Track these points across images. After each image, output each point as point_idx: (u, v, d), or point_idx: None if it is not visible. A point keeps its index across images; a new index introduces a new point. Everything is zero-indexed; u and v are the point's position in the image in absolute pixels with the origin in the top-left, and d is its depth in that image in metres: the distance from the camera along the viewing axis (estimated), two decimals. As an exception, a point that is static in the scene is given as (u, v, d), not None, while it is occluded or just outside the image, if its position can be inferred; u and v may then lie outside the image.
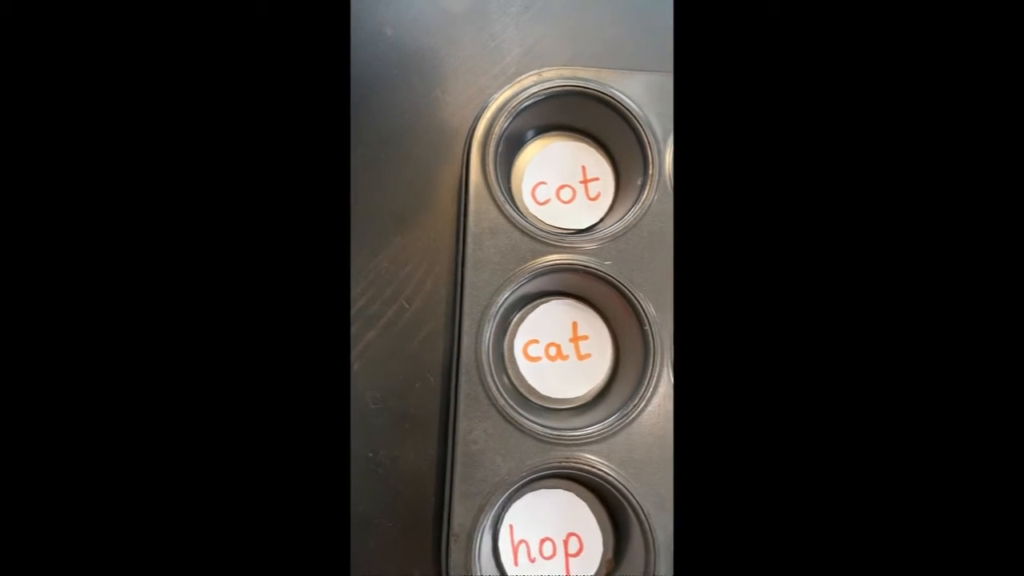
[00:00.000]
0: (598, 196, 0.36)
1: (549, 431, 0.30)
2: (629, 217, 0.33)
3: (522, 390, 0.33)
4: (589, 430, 0.31)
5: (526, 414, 0.30)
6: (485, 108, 0.33)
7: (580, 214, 0.35)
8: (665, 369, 0.31)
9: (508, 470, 0.30)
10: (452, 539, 0.29)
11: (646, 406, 0.31)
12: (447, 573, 0.29)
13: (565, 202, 0.35)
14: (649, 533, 0.30)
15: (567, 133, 0.36)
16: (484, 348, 0.31)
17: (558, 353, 0.34)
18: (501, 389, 0.31)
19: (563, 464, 0.30)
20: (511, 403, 0.30)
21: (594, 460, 0.30)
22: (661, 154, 0.33)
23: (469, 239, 0.31)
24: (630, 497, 0.30)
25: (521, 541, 0.32)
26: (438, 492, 0.32)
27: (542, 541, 0.32)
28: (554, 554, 0.32)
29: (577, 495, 0.33)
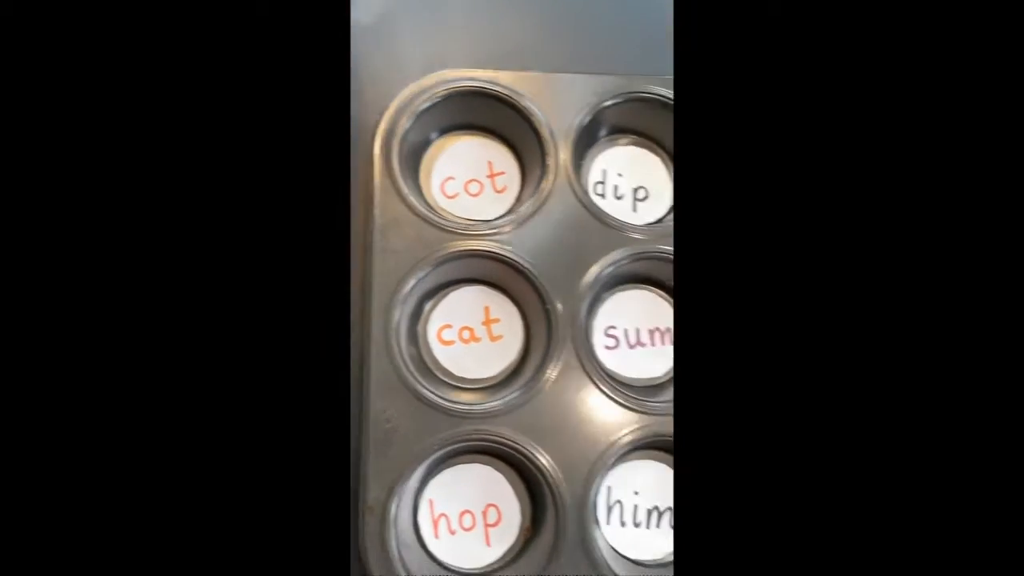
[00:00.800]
0: (504, 189, 0.38)
1: (458, 406, 0.32)
2: (530, 206, 0.35)
3: (438, 373, 0.35)
4: (496, 404, 0.32)
5: (435, 391, 0.32)
6: (386, 108, 0.35)
7: (488, 206, 0.37)
8: (568, 344, 0.33)
9: (421, 445, 0.32)
10: (367, 511, 0.31)
11: (549, 378, 0.33)
12: (362, 545, 0.31)
13: (473, 195, 0.38)
14: (559, 497, 0.32)
15: (474, 132, 0.38)
16: (393, 330, 0.32)
17: (471, 336, 0.36)
18: (412, 369, 0.32)
19: (473, 436, 0.32)
20: (421, 381, 0.32)
21: (503, 431, 0.32)
22: (557, 147, 0.36)
23: (375, 231, 0.33)
24: (539, 464, 0.32)
25: (441, 515, 0.34)
26: (353, 474, 0.33)
27: (461, 514, 0.34)
28: (474, 525, 0.34)
29: (494, 468, 0.34)
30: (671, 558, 0.34)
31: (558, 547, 0.32)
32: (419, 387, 0.32)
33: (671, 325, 0.37)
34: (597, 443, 0.33)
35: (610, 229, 0.35)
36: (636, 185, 0.38)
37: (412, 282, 0.33)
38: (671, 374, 0.36)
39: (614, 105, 0.36)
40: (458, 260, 0.34)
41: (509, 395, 0.33)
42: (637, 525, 0.35)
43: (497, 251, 0.34)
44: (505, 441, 0.32)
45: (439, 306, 0.36)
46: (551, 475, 0.32)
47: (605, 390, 0.33)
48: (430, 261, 0.34)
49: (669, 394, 0.35)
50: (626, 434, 0.33)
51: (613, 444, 0.33)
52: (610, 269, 0.35)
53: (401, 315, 0.33)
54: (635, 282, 0.37)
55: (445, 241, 0.34)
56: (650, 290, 0.37)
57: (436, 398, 0.32)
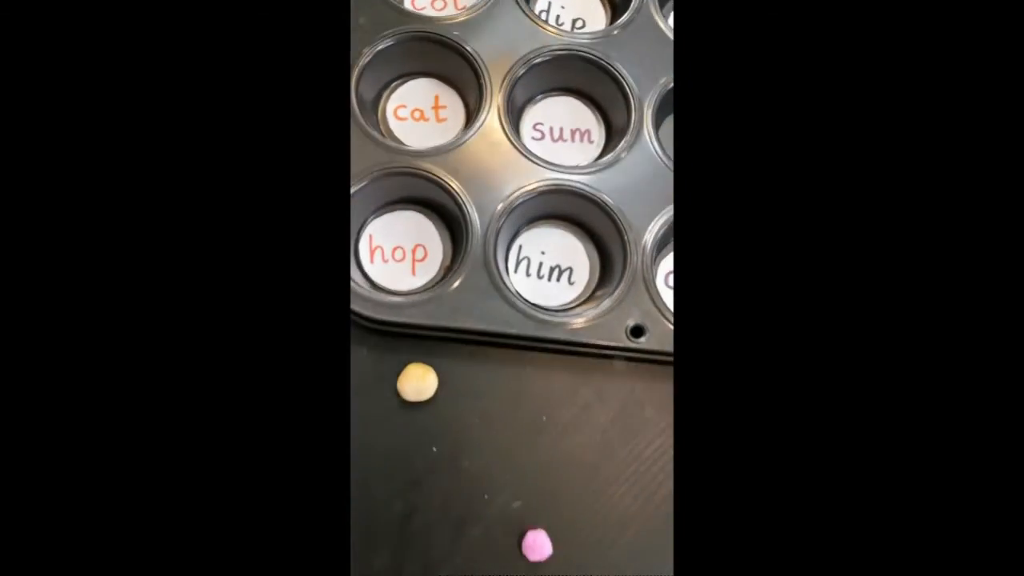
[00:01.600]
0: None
1: (397, 145, 0.39)
2: (478, 6, 0.42)
3: (388, 139, 0.42)
4: (430, 146, 0.39)
5: (375, 131, 0.39)
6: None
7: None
8: (491, 107, 0.40)
9: (357, 170, 0.38)
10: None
11: (478, 130, 0.40)
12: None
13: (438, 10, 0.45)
14: (473, 240, 0.38)
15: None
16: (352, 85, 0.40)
17: (421, 116, 0.43)
18: (368, 123, 0.40)
19: (403, 168, 0.39)
20: (366, 124, 0.39)
21: (433, 167, 0.39)
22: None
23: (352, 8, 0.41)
24: (460, 200, 0.39)
25: (378, 247, 0.41)
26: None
27: (394, 248, 0.41)
28: (404, 258, 0.41)
29: (426, 216, 0.41)
30: (566, 307, 0.40)
31: (469, 284, 0.38)
32: (368, 127, 0.39)
33: (590, 128, 0.44)
34: (512, 194, 0.39)
35: (545, 32, 0.42)
36: (575, 16, 0.46)
37: (369, 55, 0.41)
38: (597, 168, 0.42)
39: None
40: (411, 44, 0.41)
41: (439, 142, 0.40)
42: (540, 278, 0.41)
43: (450, 39, 0.41)
44: (427, 174, 0.39)
45: (396, 92, 0.43)
46: (471, 217, 0.38)
47: (521, 150, 0.40)
48: (386, 37, 0.41)
49: (580, 171, 0.41)
50: (537, 187, 0.39)
51: (525, 195, 0.39)
52: (543, 58, 0.42)
53: (363, 84, 0.40)
54: (566, 91, 0.44)
55: (404, 20, 0.41)
56: (577, 98, 0.44)
57: (378, 136, 0.39)
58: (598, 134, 0.44)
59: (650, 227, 0.39)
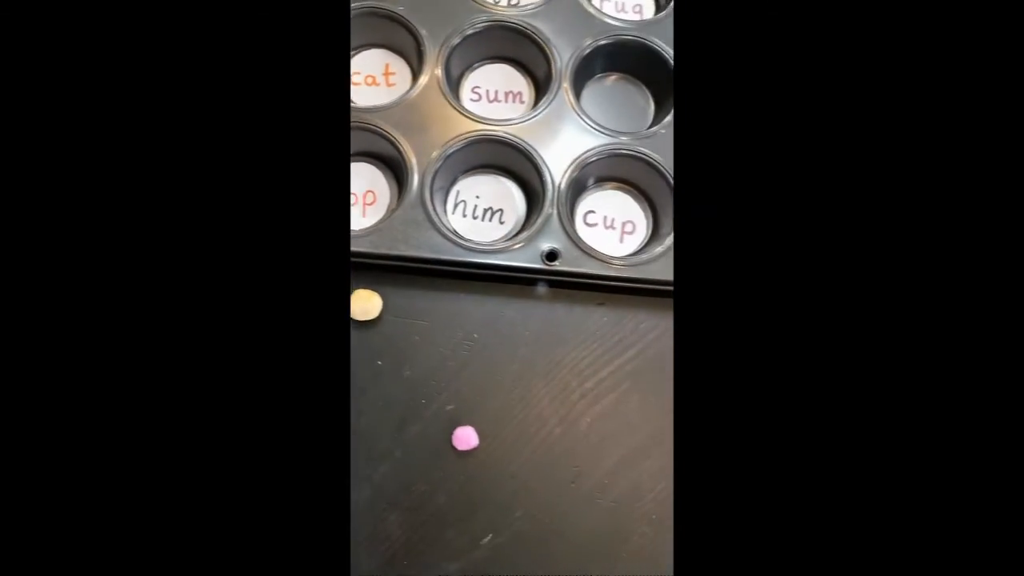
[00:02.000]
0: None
1: (356, 105, 0.46)
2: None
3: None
4: (379, 104, 0.46)
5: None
6: None
7: None
8: (431, 71, 0.46)
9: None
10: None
11: (418, 89, 0.46)
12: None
13: (390, -8, 0.51)
14: (412, 183, 0.44)
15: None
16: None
17: (373, 82, 0.50)
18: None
19: (355, 123, 0.45)
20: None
21: (378, 120, 0.45)
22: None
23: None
24: (398, 145, 0.45)
25: (333, 192, 0.47)
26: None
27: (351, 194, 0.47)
28: (356, 202, 0.47)
29: (376, 168, 0.47)
30: (495, 242, 0.46)
31: (408, 218, 0.44)
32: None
33: (522, 90, 0.50)
34: (446, 143, 0.45)
35: (479, 7, 0.48)
36: (511, -5, 0.52)
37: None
38: (520, 120, 0.48)
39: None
40: (363, 18, 0.48)
41: (385, 99, 0.46)
42: (475, 218, 0.47)
43: (396, 14, 0.48)
44: (373, 126, 0.45)
45: (352, 60, 0.50)
46: (410, 161, 0.45)
47: (455, 106, 0.46)
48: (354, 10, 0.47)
49: (506, 123, 0.47)
50: (467, 136, 0.45)
51: (457, 143, 0.45)
52: (474, 29, 0.48)
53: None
54: (501, 59, 0.50)
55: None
56: (510, 65, 0.50)
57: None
58: (528, 95, 0.50)
59: (565, 169, 0.45)
